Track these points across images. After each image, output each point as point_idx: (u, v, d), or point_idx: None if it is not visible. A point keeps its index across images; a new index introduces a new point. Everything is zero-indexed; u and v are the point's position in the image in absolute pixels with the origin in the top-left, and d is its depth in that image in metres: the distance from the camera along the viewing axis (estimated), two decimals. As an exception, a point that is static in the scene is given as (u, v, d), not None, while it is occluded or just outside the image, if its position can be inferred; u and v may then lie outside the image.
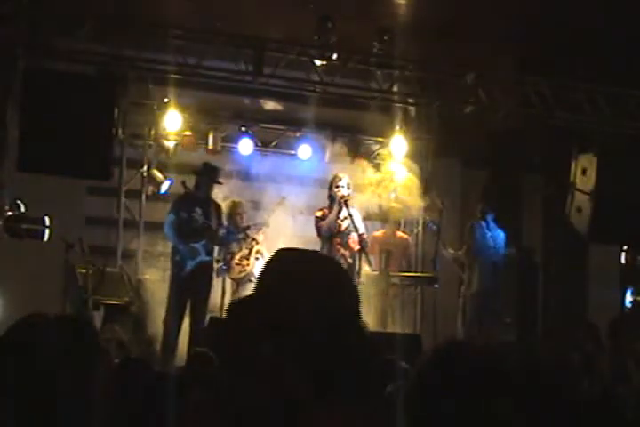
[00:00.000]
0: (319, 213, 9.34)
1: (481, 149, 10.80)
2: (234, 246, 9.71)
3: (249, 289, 8.06)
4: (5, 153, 8.80)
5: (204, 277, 9.05)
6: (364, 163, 10.84)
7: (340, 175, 9.47)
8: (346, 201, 9.17)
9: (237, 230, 9.58)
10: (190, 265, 8.94)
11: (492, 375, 2.08)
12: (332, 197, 9.29)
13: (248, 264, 9.65)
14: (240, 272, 9.63)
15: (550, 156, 10.73)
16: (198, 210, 9.08)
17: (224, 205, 9.62)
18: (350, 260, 9.25)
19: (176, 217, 9.05)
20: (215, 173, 9.31)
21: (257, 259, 9.63)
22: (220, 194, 9.70)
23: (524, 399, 2.31)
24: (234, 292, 9.52)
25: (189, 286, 8.91)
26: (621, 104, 10.27)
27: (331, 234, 9.26)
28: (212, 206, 9.22)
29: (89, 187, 10.03)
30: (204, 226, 9.05)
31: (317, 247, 9.45)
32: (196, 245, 9.01)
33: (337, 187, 9.24)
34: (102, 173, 8.99)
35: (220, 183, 9.37)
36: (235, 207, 9.81)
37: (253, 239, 9.74)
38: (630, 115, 10.29)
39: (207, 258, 9.12)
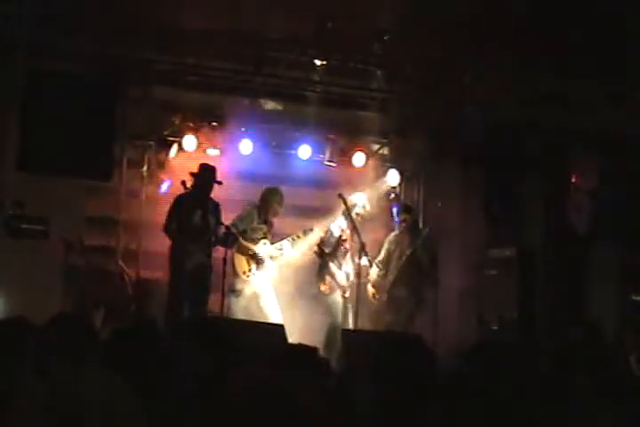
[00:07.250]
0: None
1: (481, 148, 10.79)
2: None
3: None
4: (5, 153, 8.80)
5: (203, 278, 9.01)
6: (363, 163, 10.87)
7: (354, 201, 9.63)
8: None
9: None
10: (189, 266, 8.93)
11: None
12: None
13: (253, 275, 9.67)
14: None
15: (550, 156, 10.72)
16: (198, 211, 9.09)
17: None
18: (356, 257, 9.34)
19: (177, 218, 9.05)
20: (213, 173, 9.29)
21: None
22: (219, 195, 9.70)
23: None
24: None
25: (188, 287, 8.90)
26: (621, 104, 10.27)
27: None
28: (211, 207, 9.23)
29: (89, 187, 10.01)
30: (203, 227, 9.05)
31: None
32: (195, 247, 9.00)
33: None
34: (103, 174, 9.00)
35: (219, 183, 9.32)
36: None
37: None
38: (630, 115, 10.28)
39: (206, 259, 9.11)
